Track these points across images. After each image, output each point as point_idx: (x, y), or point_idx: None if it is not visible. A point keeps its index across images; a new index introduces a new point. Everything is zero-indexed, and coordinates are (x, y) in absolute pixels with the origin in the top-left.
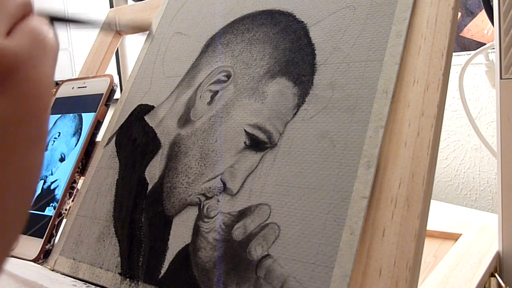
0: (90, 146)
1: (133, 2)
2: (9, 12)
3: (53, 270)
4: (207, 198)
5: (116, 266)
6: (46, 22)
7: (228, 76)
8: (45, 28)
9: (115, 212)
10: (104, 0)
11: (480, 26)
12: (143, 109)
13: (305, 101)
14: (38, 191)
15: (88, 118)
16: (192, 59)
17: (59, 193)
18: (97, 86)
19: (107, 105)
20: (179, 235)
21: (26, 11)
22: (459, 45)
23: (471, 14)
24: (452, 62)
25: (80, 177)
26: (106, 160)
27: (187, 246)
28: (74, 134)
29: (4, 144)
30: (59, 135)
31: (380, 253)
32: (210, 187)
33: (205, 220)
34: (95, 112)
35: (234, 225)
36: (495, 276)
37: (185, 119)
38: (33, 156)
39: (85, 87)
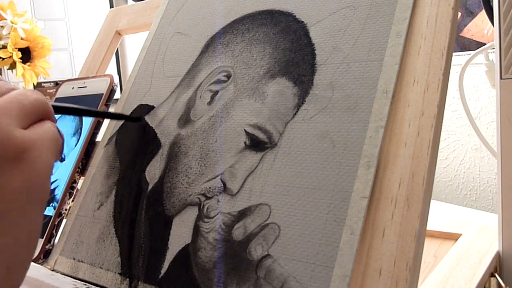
0: (90, 146)
1: (133, 2)
2: (25, 110)
3: (53, 270)
4: (207, 198)
5: (116, 266)
6: (55, 126)
7: (228, 76)
8: (53, 130)
9: (115, 212)
10: (104, 0)
11: (480, 26)
12: (143, 109)
13: (305, 101)
14: None
15: (88, 118)
16: (192, 59)
17: (59, 193)
18: (97, 86)
19: (107, 105)
20: (179, 235)
21: (44, 115)
22: (459, 45)
23: (471, 14)
24: (452, 62)
25: (80, 177)
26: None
27: (187, 246)
28: (74, 134)
29: (16, 207)
30: None
31: (380, 253)
32: (210, 187)
33: (205, 220)
34: None
35: (234, 225)
36: (495, 276)
37: (185, 119)
38: (35, 216)
39: (85, 87)
